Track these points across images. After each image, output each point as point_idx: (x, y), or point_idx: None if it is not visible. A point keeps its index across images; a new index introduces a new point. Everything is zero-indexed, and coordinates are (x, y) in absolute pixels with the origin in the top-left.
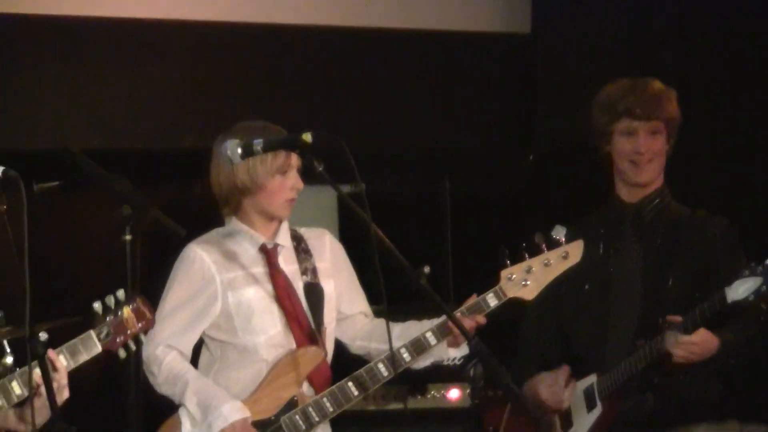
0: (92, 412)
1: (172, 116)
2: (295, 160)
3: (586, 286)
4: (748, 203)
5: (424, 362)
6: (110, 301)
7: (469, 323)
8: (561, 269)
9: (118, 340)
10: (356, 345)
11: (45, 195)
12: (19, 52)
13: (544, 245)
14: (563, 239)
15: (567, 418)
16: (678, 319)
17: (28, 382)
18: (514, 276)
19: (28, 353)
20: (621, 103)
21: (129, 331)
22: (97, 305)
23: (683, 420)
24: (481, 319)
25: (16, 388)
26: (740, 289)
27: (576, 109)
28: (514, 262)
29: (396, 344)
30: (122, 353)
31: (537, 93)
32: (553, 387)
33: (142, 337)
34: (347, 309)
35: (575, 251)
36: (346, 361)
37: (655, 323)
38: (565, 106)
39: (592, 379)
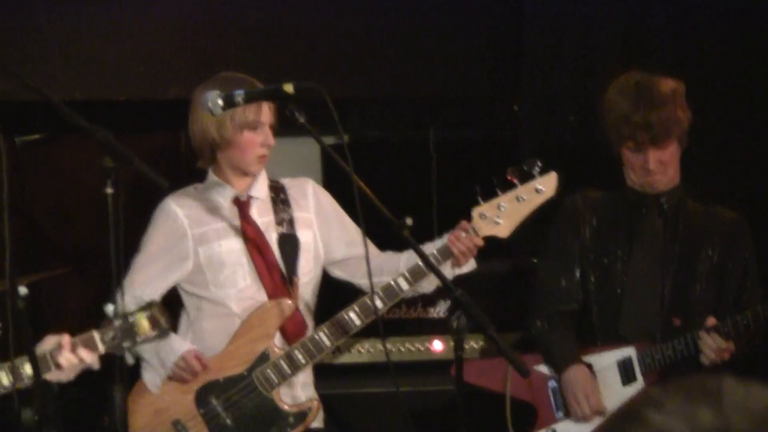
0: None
1: (157, 67)
2: (266, 116)
3: (605, 260)
4: (748, 199)
5: (429, 287)
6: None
7: (467, 243)
8: (535, 204)
9: (125, 344)
10: (367, 283)
11: (27, 148)
12: None
13: (516, 180)
14: (536, 172)
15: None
16: (713, 321)
17: (10, 336)
18: (486, 214)
19: (9, 307)
20: (625, 126)
21: (139, 338)
22: (110, 308)
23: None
24: (479, 241)
25: (4, 379)
26: None
27: (562, 58)
28: (487, 199)
29: (402, 272)
30: (130, 359)
31: (523, 40)
32: (591, 397)
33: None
34: (341, 253)
35: (549, 184)
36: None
37: (685, 303)
38: (551, 54)
39: (629, 351)
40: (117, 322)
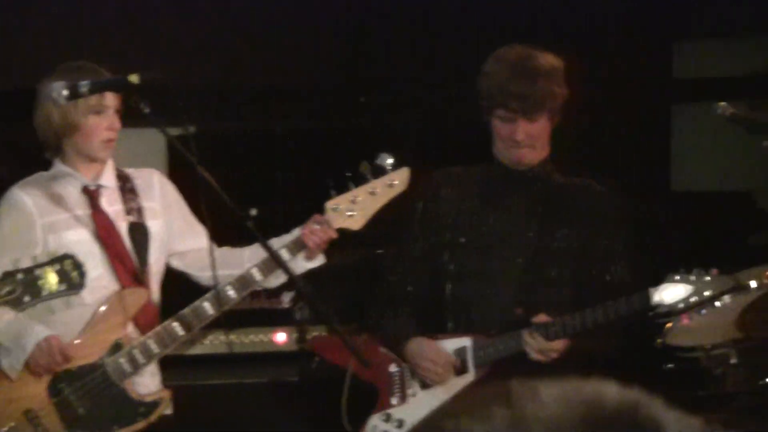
0: None
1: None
2: (110, 100)
3: (462, 240)
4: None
5: (278, 280)
6: None
7: (321, 235)
8: (388, 197)
9: (25, 299)
10: (206, 276)
11: None
12: None
13: (369, 174)
14: (389, 167)
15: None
16: (544, 319)
17: None
18: (339, 206)
19: None
20: (499, 94)
21: (44, 292)
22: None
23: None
24: (333, 233)
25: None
26: (668, 294)
27: (407, 50)
28: (340, 192)
29: (247, 265)
30: None
31: (367, 31)
32: (437, 364)
33: None
34: (183, 245)
35: (401, 178)
36: None
37: (537, 285)
38: (397, 44)
39: (464, 341)
40: (19, 276)
